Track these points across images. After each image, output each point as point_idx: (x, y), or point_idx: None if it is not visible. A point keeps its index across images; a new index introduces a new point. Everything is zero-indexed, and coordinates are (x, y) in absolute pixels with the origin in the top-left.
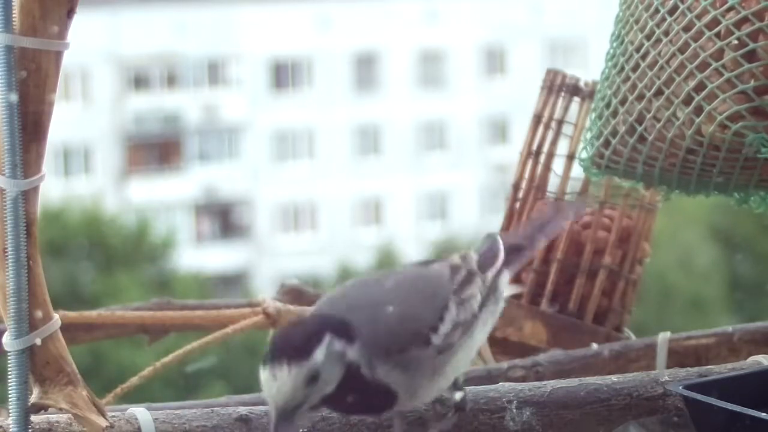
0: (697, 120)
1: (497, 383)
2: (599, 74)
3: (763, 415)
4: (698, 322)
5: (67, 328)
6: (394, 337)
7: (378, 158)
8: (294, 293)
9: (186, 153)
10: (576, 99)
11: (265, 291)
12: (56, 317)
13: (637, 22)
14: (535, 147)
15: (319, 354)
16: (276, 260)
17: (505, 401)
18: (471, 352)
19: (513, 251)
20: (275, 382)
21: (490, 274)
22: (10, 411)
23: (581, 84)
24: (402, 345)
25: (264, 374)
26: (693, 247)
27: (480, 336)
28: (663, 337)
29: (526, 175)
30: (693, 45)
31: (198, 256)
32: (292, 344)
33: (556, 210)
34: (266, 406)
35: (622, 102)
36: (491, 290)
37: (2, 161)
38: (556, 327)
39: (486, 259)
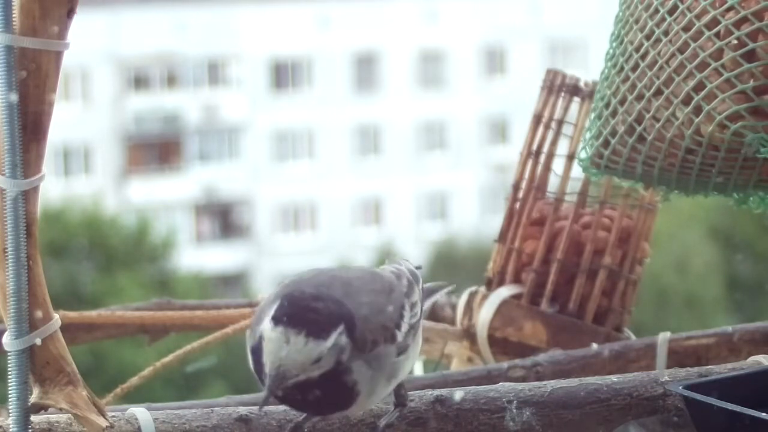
0: (697, 120)
1: (497, 383)
2: (599, 74)
3: (763, 415)
4: (697, 322)
5: (67, 328)
6: (369, 329)
7: (378, 158)
8: None
9: (186, 153)
10: (576, 99)
11: (265, 291)
12: (56, 317)
13: (636, 22)
14: (535, 147)
15: (332, 340)
16: (276, 260)
17: (505, 401)
18: (415, 357)
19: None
20: (287, 346)
21: (420, 287)
22: (10, 411)
23: (581, 84)
24: (375, 337)
25: (275, 333)
26: (692, 247)
27: (420, 343)
28: (663, 337)
29: (526, 175)
30: (692, 45)
31: (198, 256)
32: (314, 318)
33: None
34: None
35: (622, 102)
36: (423, 304)
37: (2, 161)
38: (556, 327)
39: (413, 275)
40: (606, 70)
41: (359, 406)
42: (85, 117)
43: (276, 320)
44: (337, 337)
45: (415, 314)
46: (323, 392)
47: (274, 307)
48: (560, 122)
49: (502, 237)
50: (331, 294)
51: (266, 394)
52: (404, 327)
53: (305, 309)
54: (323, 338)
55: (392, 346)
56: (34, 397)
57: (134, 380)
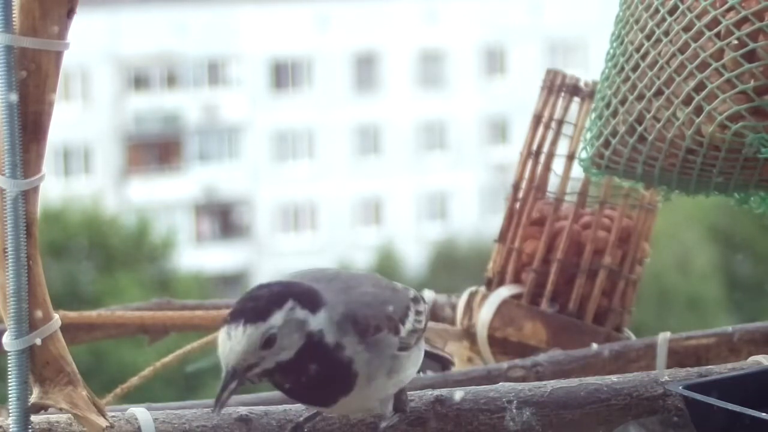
0: (697, 120)
1: (497, 383)
2: (599, 74)
3: (763, 415)
4: (698, 322)
5: (67, 328)
6: (372, 314)
7: (378, 158)
8: None
9: (186, 153)
10: (576, 99)
11: None
12: (56, 317)
13: (637, 22)
14: (535, 147)
15: (277, 317)
16: (276, 260)
17: (505, 401)
18: (417, 366)
19: None
20: (229, 342)
21: (427, 312)
22: (10, 411)
23: (581, 84)
24: (378, 323)
25: (221, 333)
26: (692, 247)
27: (421, 355)
28: (663, 337)
29: (526, 175)
30: (693, 45)
31: (198, 256)
32: (252, 306)
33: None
34: (266, 406)
35: (622, 102)
36: (426, 323)
37: (2, 161)
38: (556, 327)
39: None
40: (606, 70)
41: (360, 391)
42: (85, 117)
43: (223, 322)
44: (288, 312)
45: (420, 321)
46: (319, 375)
47: None
48: (560, 122)
49: (502, 237)
50: (304, 281)
51: (218, 393)
52: (408, 325)
53: (246, 301)
54: (262, 320)
55: (395, 337)
56: (34, 397)
57: (134, 380)
